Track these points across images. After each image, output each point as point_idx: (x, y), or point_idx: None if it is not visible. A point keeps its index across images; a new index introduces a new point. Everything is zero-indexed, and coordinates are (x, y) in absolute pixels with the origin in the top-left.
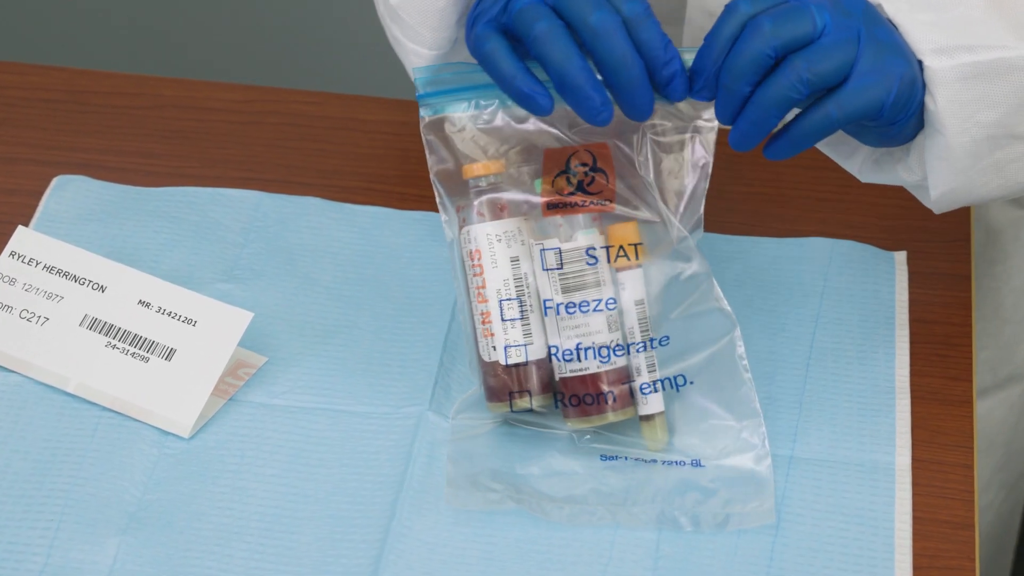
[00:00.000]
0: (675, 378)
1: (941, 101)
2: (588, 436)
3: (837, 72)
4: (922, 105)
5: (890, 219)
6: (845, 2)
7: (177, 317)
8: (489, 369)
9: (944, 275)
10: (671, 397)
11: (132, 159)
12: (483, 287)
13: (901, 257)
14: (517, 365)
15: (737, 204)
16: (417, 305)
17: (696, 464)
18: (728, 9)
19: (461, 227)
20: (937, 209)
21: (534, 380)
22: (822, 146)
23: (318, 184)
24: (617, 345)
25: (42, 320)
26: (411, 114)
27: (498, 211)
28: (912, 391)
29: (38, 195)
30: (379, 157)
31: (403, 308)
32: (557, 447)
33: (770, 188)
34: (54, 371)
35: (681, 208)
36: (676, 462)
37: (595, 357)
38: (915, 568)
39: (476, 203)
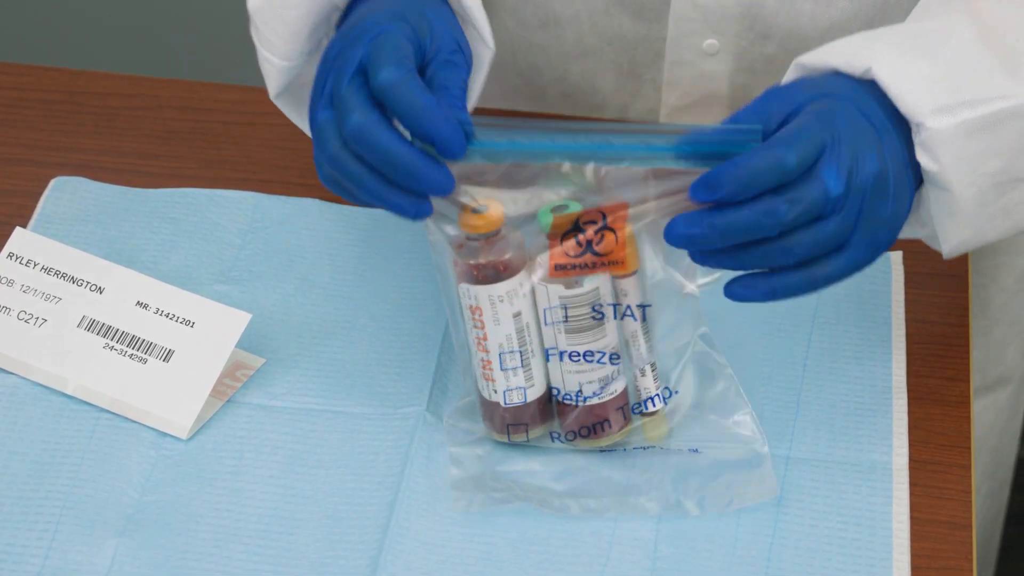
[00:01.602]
0: (661, 392)
1: (946, 160)
2: None
3: (828, 253)
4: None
5: None
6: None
7: (175, 318)
8: (488, 407)
9: (941, 275)
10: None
11: (130, 160)
12: (484, 339)
13: (898, 257)
14: (517, 406)
15: None
16: (415, 306)
17: (694, 451)
18: (764, 166)
19: (459, 282)
20: (949, 256)
21: (534, 415)
22: None
23: (316, 185)
24: (618, 373)
25: (40, 321)
26: None
27: (500, 271)
28: (909, 391)
29: (36, 196)
30: None
31: (401, 309)
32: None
33: None
34: (52, 372)
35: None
36: (674, 450)
37: (595, 395)
38: (913, 568)
39: (474, 262)
